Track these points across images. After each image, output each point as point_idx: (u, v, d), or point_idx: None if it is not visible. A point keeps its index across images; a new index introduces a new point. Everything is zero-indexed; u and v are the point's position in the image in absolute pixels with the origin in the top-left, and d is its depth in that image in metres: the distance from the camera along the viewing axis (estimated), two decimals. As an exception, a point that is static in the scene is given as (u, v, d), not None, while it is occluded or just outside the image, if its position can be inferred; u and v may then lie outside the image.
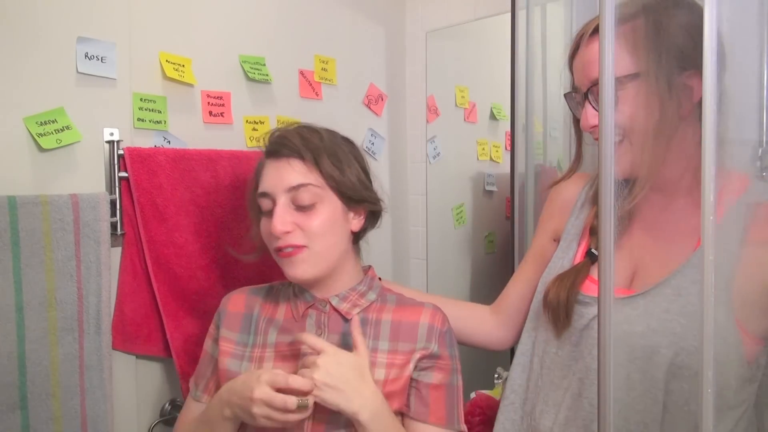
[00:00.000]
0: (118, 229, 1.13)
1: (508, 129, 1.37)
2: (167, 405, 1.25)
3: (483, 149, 1.76)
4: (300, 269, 0.90)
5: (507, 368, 1.14)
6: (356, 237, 1.00)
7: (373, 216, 1.00)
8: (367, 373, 0.85)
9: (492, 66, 1.68)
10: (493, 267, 1.75)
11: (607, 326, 0.70)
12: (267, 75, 1.39)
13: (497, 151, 1.77)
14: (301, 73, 1.49)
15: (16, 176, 1.02)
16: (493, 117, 1.76)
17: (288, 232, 0.88)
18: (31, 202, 0.99)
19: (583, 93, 0.87)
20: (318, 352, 0.85)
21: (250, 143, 1.37)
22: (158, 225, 1.16)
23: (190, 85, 1.26)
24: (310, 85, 1.51)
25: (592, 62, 0.86)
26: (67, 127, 1.06)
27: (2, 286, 0.96)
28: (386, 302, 0.98)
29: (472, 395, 1.26)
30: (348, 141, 1.00)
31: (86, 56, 1.09)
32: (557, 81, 1.38)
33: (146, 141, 1.18)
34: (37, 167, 1.04)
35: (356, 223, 0.97)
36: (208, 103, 1.29)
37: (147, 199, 1.14)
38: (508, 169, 1.38)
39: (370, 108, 1.68)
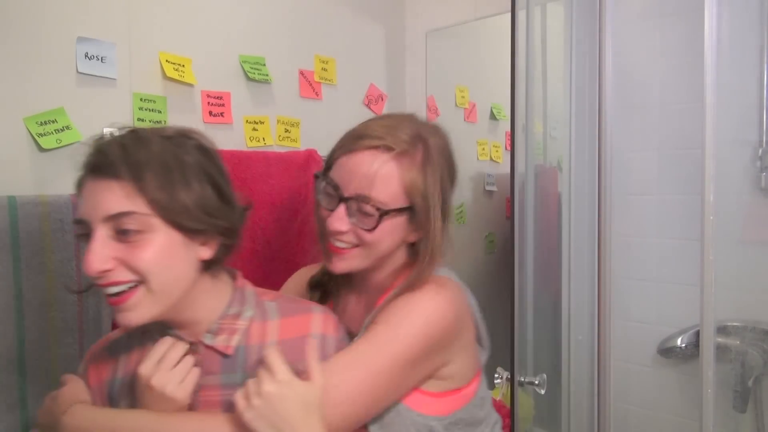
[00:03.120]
0: (118, 229, 1.13)
1: (508, 129, 1.37)
2: (167, 405, 1.25)
3: (483, 149, 1.76)
4: (135, 315, 0.73)
5: (507, 368, 1.14)
6: (210, 263, 0.79)
7: (225, 246, 0.79)
8: (315, 409, 0.73)
9: (492, 66, 1.68)
10: (494, 267, 1.75)
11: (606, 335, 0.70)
12: (267, 75, 1.39)
13: (497, 151, 1.77)
14: (301, 73, 1.49)
15: (16, 176, 1.02)
16: (493, 117, 1.76)
17: (108, 270, 0.70)
18: (31, 203, 0.99)
19: (343, 197, 0.82)
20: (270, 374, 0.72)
21: (250, 143, 1.37)
22: (158, 225, 1.16)
23: (190, 85, 1.26)
24: (310, 85, 1.51)
25: (366, 174, 0.81)
26: (67, 127, 1.06)
27: (2, 286, 0.96)
28: (267, 317, 0.82)
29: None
30: (202, 150, 0.80)
31: (86, 56, 1.09)
32: (557, 81, 1.39)
33: (146, 141, 1.18)
34: (37, 167, 1.04)
35: (206, 251, 0.77)
36: (208, 102, 1.29)
37: (147, 199, 1.14)
38: (508, 169, 1.38)
39: (370, 108, 1.68)
